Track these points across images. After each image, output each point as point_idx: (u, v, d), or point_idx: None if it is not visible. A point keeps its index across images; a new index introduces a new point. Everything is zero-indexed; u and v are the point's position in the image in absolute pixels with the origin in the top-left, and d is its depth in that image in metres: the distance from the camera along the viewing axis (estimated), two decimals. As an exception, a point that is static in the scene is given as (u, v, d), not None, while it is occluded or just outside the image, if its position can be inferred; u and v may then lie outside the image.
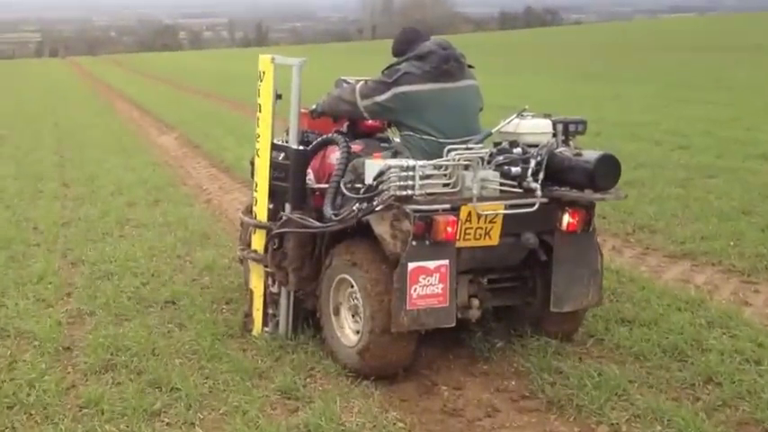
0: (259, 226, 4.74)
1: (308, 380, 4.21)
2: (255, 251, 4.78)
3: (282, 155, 4.65)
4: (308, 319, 4.72)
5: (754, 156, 10.63)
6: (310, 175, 4.84)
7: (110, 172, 10.55)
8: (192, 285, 5.74)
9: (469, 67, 4.64)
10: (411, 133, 4.47)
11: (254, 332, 4.78)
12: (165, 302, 5.36)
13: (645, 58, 35.22)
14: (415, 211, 3.93)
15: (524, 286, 4.66)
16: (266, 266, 4.71)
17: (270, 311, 4.79)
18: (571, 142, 4.49)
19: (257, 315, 4.80)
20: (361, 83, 4.63)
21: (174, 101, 22.26)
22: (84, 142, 13.67)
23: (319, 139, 4.68)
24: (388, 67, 4.55)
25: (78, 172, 10.58)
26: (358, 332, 4.28)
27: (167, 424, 3.74)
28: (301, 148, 4.59)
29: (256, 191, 4.74)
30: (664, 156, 10.97)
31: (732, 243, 6.55)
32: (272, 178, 4.63)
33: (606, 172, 4.14)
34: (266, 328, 4.78)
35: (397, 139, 4.84)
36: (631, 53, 38.41)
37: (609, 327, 4.82)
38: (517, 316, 4.75)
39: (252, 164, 4.94)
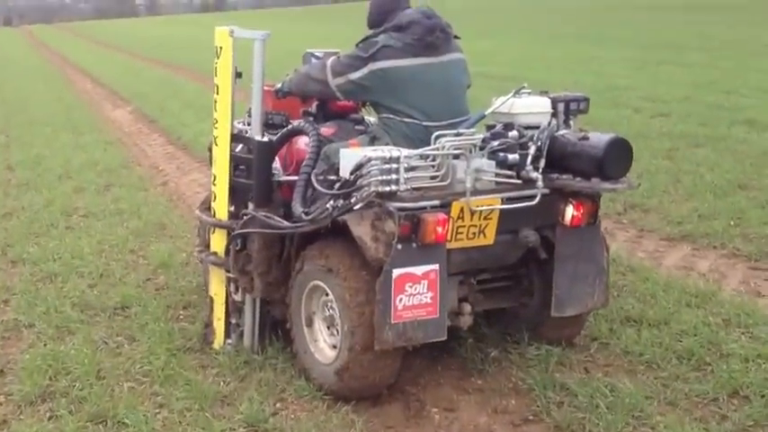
0: (219, 225, 4.15)
1: (277, 405, 3.66)
2: (215, 253, 4.19)
3: (245, 147, 4.05)
4: (277, 329, 4.17)
5: (739, 122, 10.19)
6: (277, 163, 4.25)
7: (58, 152, 9.83)
8: (144, 287, 5.14)
9: (455, 38, 4.07)
10: (390, 116, 3.90)
11: (216, 345, 4.21)
12: (113, 309, 4.76)
13: (617, 17, 34.69)
14: (400, 209, 3.38)
15: (519, 286, 4.15)
16: (228, 271, 4.13)
17: (233, 321, 4.22)
18: (571, 122, 3.97)
19: (218, 325, 4.23)
20: (333, 58, 4.03)
21: (129, 71, 21.34)
22: (32, 119, 12.85)
23: (285, 130, 4.07)
24: (363, 40, 3.95)
25: (24, 153, 9.83)
26: (335, 347, 3.73)
27: (113, 471, 3.18)
28: (266, 139, 3.98)
29: (215, 185, 4.14)
30: (645, 124, 10.52)
31: (732, 222, 6.11)
32: (231, 174, 4.03)
33: (617, 158, 3.61)
34: (229, 341, 4.22)
35: (374, 119, 4.27)
36: (602, 13, 37.87)
37: (614, 328, 4.33)
38: (512, 320, 4.24)
39: (210, 151, 4.33)
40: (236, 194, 4.04)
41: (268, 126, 4.15)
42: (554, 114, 3.87)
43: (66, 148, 10.08)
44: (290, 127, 4.04)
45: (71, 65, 25.43)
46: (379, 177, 3.37)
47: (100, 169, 8.77)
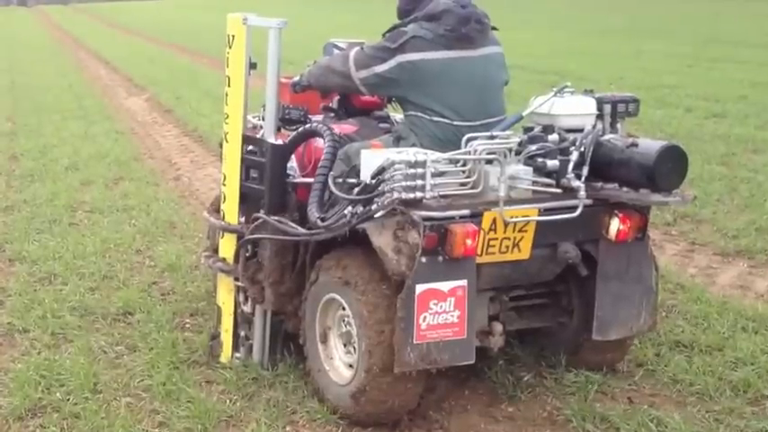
0: (228, 229, 4.05)
1: (287, 428, 3.56)
2: (223, 260, 4.09)
3: (256, 149, 3.94)
4: (289, 344, 4.06)
5: (803, 126, 9.96)
6: (293, 163, 4.14)
7: (66, 142, 9.82)
8: (150, 291, 5.07)
9: (493, 29, 3.93)
10: (418, 114, 3.76)
11: (222, 359, 4.11)
12: (115, 315, 4.69)
13: (668, 9, 34.23)
14: (426, 218, 3.24)
15: (556, 304, 4.00)
16: (237, 279, 4.03)
17: (242, 334, 4.12)
18: (618, 125, 3.81)
19: (226, 338, 4.13)
20: (357, 49, 3.90)
21: (146, 57, 21.38)
22: (41, 105, 12.88)
23: (296, 132, 3.96)
24: (390, 29, 3.83)
25: (31, 142, 9.82)
26: (351, 366, 3.62)
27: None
28: (279, 142, 3.86)
29: (224, 185, 4.04)
30: (697, 125, 10.31)
31: (794, 238, 5.92)
32: (242, 178, 3.93)
33: (670, 167, 3.44)
34: (237, 354, 4.12)
35: (400, 117, 4.14)
36: (653, 4, 37.39)
37: (661, 353, 4.18)
38: (548, 342, 4.10)
39: (222, 146, 4.23)
40: (247, 198, 3.93)
41: (285, 122, 4.06)
42: (599, 117, 3.73)
43: (74, 138, 10.06)
44: (301, 129, 3.93)
45: (85, 49, 25.54)
46: (403, 183, 3.25)
47: (109, 161, 8.73)
